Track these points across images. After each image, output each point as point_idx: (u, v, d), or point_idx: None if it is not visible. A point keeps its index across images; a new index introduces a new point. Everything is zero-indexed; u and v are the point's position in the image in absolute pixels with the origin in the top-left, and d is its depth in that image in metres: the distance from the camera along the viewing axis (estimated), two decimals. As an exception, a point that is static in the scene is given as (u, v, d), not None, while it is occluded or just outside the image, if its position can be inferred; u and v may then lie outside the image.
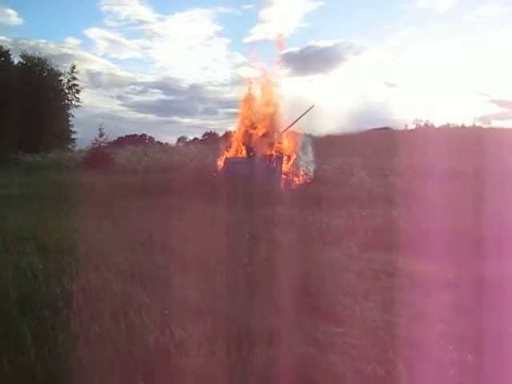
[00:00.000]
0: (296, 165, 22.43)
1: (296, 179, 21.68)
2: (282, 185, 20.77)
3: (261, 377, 4.38)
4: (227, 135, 25.61)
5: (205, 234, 9.85)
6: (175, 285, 6.47)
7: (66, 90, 53.05)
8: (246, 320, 5.43)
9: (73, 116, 55.36)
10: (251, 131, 23.85)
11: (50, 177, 23.59)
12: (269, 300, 6.12)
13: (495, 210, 12.00)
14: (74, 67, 53.91)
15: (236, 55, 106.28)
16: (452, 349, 5.04)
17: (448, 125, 52.91)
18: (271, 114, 23.95)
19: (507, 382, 4.77)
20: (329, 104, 36.02)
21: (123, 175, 24.56)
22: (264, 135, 23.51)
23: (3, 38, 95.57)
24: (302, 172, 22.30)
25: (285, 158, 22.35)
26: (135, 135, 77.38)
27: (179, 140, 69.37)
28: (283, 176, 21.53)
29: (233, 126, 25.09)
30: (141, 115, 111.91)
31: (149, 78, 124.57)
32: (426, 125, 55.52)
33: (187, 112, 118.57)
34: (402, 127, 53.37)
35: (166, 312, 5.47)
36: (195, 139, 71.42)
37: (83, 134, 55.00)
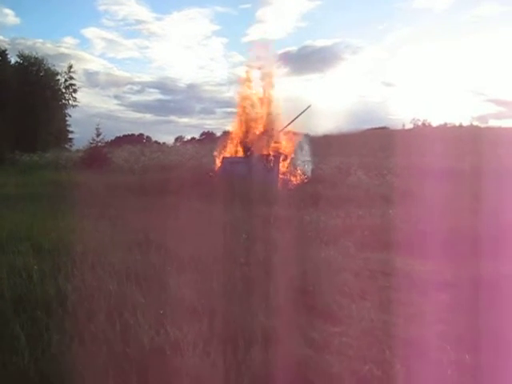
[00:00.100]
0: (293, 164, 22.41)
1: (293, 179, 21.67)
2: (279, 184, 20.75)
3: (256, 378, 4.34)
4: (225, 135, 25.56)
5: (201, 233, 9.81)
6: (171, 284, 6.43)
7: (63, 90, 53.01)
8: (241, 320, 5.39)
9: (70, 116, 55.36)
10: (248, 131, 23.83)
11: (46, 176, 23.59)
12: (265, 300, 6.07)
13: (492, 210, 11.99)
14: (71, 67, 53.93)
15: (233, 55, 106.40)
16: (449, 349, 5.00)
17: (445, 124, 53.06)
18: (268, 113, 23.94)
19: (505, 381, 4.74)
20: (326, 103, 36.13)
21: (120, 175, 24.57)
22: (261, 135, 23.48)
23: (0, 37, 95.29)
24: (299, 171, 22.29)
25: (282, 158, 22.32)
26: (133, 135, 77.46)
27: (177, 140, 69.66)
28: (280, 176, 21.52)
29: (230, 126, 25.08)
30: (138, 115, 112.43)
31: (146, 78, 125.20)
32: (424, 124, 55.68)
33: (185, 111, 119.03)
34: (400, 127, 53.57)
35: (161, 312, 5.42)
36: (193, 139, 71.59)
37: (81, 134, 55.10)
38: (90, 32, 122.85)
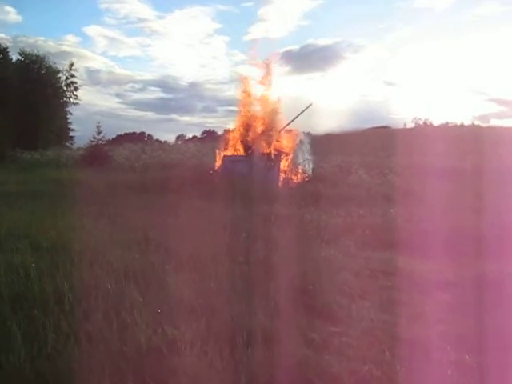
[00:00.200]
0: (294, 163, 22.36)
1: (294, 177, 21.63)
2: (280, 183, 20.73)
3: (254, 377, 4.29)
4: (226, 133, 25.51)
5: (201, 231, 9.77)
6: (169, 283, 6.39)
7: (65, 88, 53.06)
8: (240, 319, 5.34)
9: (71, 113, 55.42)
10: (249, 129, 23.78)
11: (47, 174, 23.57)
12: (264, 299, 6.02)
13: (494, 209, 11.95)
14: (72, 64, 54.00)
15: (235, 53, 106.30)
16: (450, 349, 4.95)
17: (447, 123, 53.07)
18: (269, 112, 23.89)
19: (507, 382, 4.69)
20: (328, 102, 36.08)
21: (121, 173, 24.57)
22: (262, 133, 23.43)
23: (2, 35, 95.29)
24: (300, 170, 22.24)
25: (283, 156, 22.28)
26: (134, 133, 77.57)
27: (178, 138, 69.70)
28: (281, 174, 21.47)
29: (232, 124, 25.02)
30: (140, 113, 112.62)
31: (148, 76, 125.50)
32: (425, 123, 55.72)
33: (186, 110, 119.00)
34: (401, 126, 53.55)
35: (159, 311, 5.38)
36: (194, 137, 71.64)
37: (82, 132, 55.27)
38: (91, 30, 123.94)
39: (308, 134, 25.20)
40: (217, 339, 4.80)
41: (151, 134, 76.31)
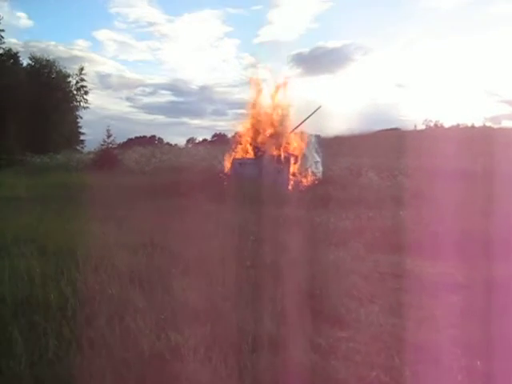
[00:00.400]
0: (304, 165, 22.27)
1: (304, 180, 21.53)
2: (289, 186, 20.64)
3: (259, 384, 4.22)
4: (236, 136, 25.47)
5: (209, 235, 9.70)
6: (175, 288, 6.31)
7: (75, 92, 53.25)
8: (246, 324, 5.26)
9: (81, 117, 55.58)
10: (259, 132, 23.73)
11: (56, 178, 23.52)
12: (270, 303, 5.94)
13: (505, 211, 11.81)
14: (82, 69, 54.21)
15: (245, 56, 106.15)
16: (460, 354, 4.85)
17: (458, 125, 52.77)
18: (279, 114, 23.83)
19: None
20: (338, 105, 36.01)
21: (130, 177, 24.53)
22: (272, 136, 23.36)
23: (14, 40, 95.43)
24: (309, 173, 22.14)
25: (292, 159, 22.20)
26: (144, 137, 77.61)
27: (188, 141, 69.79)
28: (291, 177, 21.39)
29: (242, 127, 24.95)
30: (150, 117, 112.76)
31: (158, 80, 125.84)
32: (436, 125, 55.47)
33: (196, 113, 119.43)
34: (412, 128, 53.30)
35: (163, 316, 5.30)
36: (204, 140, 71.74)
37: (93, 136, 55.42)
38: (102, 34, 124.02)
39: (318, 137, 25.09)
40: (221, 345, 4.72)
41: (162, 137, 76.45)
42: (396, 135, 42.79)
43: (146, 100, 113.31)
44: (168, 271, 7.12)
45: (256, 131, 23.83)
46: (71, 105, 53.22)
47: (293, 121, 23.75)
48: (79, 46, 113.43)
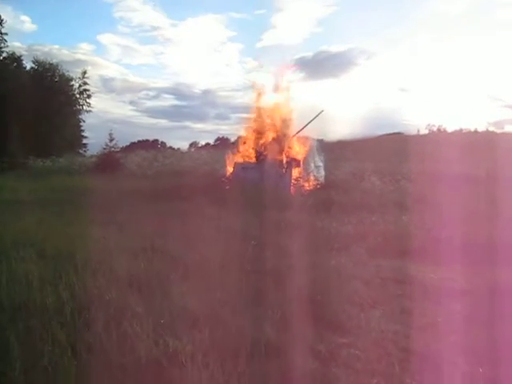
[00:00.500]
0: (306, 170, 22.23)
1: (306, 184, 21.47)
2: (291, 190, 20.58)
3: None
4: (238, 140, 25.48)
5: (210, 240, 9.63)
6: (174, 293, 6.24)
7: (77, 95, 53.35)
8: (245, 330, 5.19)
9: (84, 121, 55.68)
10: (261, 136, 23.70)
11: (58, 182, 23.55)
12: (270, 309, 5.86)
13: (508, 216, 11.73)
14: (85, 72, 54.43)
15: (248, 60, 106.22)
16: (463, 362, 4.77)
17: (461, 130, 52.76)
18: (282, 118, 23.80)
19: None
20: (341, 109, 35.96)
21: (132, 180, 24.52)
22: (274, 140, 23.34)
23: (18, 44, 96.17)
24: (312, 177, 22.09)
25: (295, 163, 22.16)
26: (147, 140, 77.69)
27: (191, 145, 69.88)
28: (293, 181, 21.34)
29: (244, 131, 24.95)
30: (153, 120, 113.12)
31: (161, 84, 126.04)
32: (439, 130, 55.47)
33: (199, 117, 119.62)
34: (415, 132, 53.32)
35: (162, 321, 5.23)
36: (207, 144, 71.91)
37: (96, 140, 55.47)
38: (105, 38, 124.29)
39: (320, 141, 25.07)
40: (220, 351, 4.64)
41: (165, 141, 76.50)
42: (399, 140, 42.78)
43: (149, 104, 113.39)
44: (167, 276, 7.05)
45: (258, 135, 23.81)
46: (74, 108, 53.40)
47: (295, 125, 23.75)
48: (83, 50, 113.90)
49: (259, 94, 24.77)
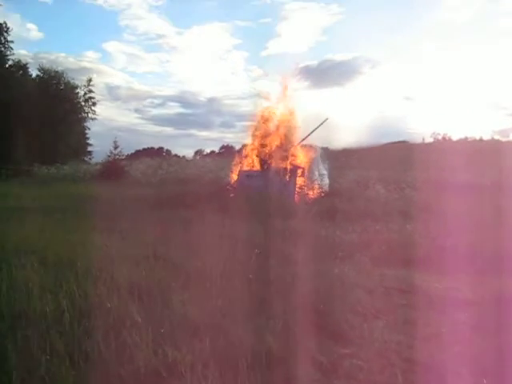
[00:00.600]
0: (310, 178, 22.18)
1: (310, 192, 21.42)
2: (295, 198, 20.53)
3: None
4: (243, 148, 25.48)
5: (213, 248, 9.56)
6: (174, 302, 6.17)
7: (83, 103, 53.49)
8: (245, 340, 5.11)
9: (89, 129, 55.81)
10: (266, 144, 23.68)
11: (62, 189, 23.56)
12: (272, 318, 5.79)
13: (514, 225, 11.65)
14: (90, 80, 54.62)
15: (253, 69, 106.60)
16: (467, 373, 4.69)
17: (466, 138, 52.72)
18: (286, 127, 23.77)
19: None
20: (345, 117, 35.95)
21: (137, 188, 24.51)
22: (279, 148, 23.30)
23: (24, 52, 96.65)
24: (316, 185, 22.03)
25: (299, 171, 22.11)
26: (152, 148, 77.89)
27: (196, 153, 70.01)
28: (297, 189, 21.28)
29: (249, 139, 24.93)
30: (158, 128, 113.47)
31: (167, 92, 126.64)
32: (444, 138, 55.47)
33: (205, 125, 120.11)
34: (420, 141, 53.30)
35: (162, 331, 5.16)
36: (212, 152, 72.04)
37: (101, 147, 55.57)
38: (111, 46, 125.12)
39: (325, 149, 25.05)
40: (220, 361, 4.57)
41: (170, 149, 76.76)
42: (404, 148, 42.78)
43: (155, 112, 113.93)
44: (169, 284, 6.98)
45: (263, 143, 23.78)
46: (79, 116, 53.58)
47: (300, 133, 23.72)
48: (89, 58, 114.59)
49: (264, 102, 24.78)
